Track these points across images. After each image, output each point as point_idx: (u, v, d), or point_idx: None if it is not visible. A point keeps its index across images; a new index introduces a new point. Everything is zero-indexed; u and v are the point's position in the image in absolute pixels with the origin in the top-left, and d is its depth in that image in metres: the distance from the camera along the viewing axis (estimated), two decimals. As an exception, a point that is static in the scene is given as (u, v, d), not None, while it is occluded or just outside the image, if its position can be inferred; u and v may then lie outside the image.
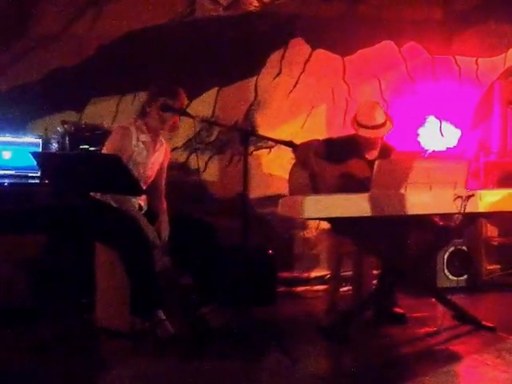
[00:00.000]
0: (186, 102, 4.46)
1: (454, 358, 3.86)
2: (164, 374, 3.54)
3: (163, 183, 4.46)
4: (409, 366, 3.73)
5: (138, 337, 4.02)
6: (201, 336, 4.12)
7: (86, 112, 5.18)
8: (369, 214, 3.90)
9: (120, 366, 3.65)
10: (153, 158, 4.34)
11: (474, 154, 5.84)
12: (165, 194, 4.44)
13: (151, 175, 4.36)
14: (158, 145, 4.37)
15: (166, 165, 4.48)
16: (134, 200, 4.25)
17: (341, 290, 5.00)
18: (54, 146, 4.90)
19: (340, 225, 4.28)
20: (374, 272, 4.79)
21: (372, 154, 4.69)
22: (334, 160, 4.63)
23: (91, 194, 4.18)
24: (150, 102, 4.28)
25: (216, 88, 5.49)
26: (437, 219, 4.50)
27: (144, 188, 4.28)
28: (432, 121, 5.83)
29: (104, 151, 4.25)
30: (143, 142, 4.27)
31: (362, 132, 4.61)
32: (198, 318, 4.24)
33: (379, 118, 4.62)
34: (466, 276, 5.52)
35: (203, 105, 5.40)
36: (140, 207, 4.30)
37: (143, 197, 4.33)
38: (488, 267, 5.68)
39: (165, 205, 4.38)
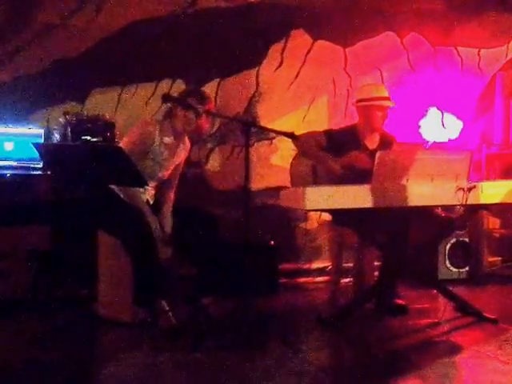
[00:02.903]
0: (212, 108, 4.39)
1: (455, 349, 3.87)
2: (165, 364, 3.55)
3: (177, 178, 4.46)
4: (410, 358, 3.73)
5: (140, 327, 4.04)
6: (202, 326, 4.13)
7: (87, 103, 5.18)
8: (370, 206, 3.90)
9: (122, 357, 3.65)
10: (171, 161, 4.34)
11: (476, 145, 5.84)
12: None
13: (165, 175, 4.36)
14: (180, 147, 4.37)
15: (182, 165, 4.48)
16: (142, 195, 4.25)
17: (342, 281, 5.00)
18: (56, 137, 4.91)
19: (341, 216, 4.28)
20: (376, 263, 4.79)
21: (373, 141, 4.72)
22: (335, 151, 4.63)
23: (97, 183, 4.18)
24: (177, 102, 4.24)
25: (217, 79, 5.48)
26: (438, 211, 4.50)
27: (156, 184, 4.30)
28: (434, 112, 5.83)
29: (121, 143, 4.25)
30: (166, 144, 4.26)
31: (374, 102, 4.64)
32: (200, 309, 4.25)
33: (386, 92, 4.73)
34: (467, 268, 5.52)
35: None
36: (147, 202, 4.30)
37: (151, 192, 4.34)
38: (489, 259, 5.69)
39: (171, 199, 4.39)
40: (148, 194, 4.31)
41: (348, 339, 4.09)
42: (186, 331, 3.99)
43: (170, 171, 4.38)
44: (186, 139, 4.42)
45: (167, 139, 4.26)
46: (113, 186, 4.18)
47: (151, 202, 4.33)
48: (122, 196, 4.18)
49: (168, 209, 4.32)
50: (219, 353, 3.67)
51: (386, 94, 4.73)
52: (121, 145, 4.19)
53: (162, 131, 4.24)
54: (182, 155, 4.42)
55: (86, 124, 4.83)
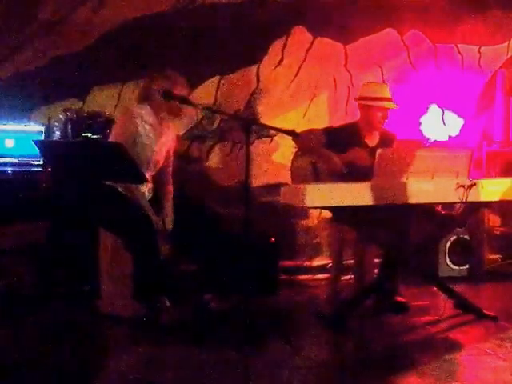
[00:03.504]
0: (185, 86, 4.35)
1: (455, 346, 3.88)
2: (166, 360, 3.57)
3: (170, 170, 4.45)
4: (410, 354, 3.74)
5: (141, 323, 4.04)
6: (203, 323, 4.14)
7: (88, 100, 5.18)
8: (371, 203, 3.91)
9: (123, 352, 3.66)
10: (160, 142, 4.31)
11: (477, 143, 5.84)
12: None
13: (159, 160, 4.34)
14: (164, 128, 4.35)
15: (172, 152, 4.46)
16: (141, 189, 4.25)
17: (342, 278, 5.00)
18: (57, 133, 4.91)
19: (342, 213, 4.28)
20: (376, 261, 4.79)
21: (373, 139, 4.72)
22: (335, 149, 4.63)
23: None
24: (150, 86, 4.25)
25: (218, 76, 5.48)
26: (439, 208, 4.50)
27: (153, 173, 4.30)
28: (434, 109, 5.82)
29: (111, 136, 4.25)
30: (150, 125, 4.24)
31: (375, 103, 4.63)
32: (200, 306, 4.26)
33: (389, 93, 4.71)
34: (467, 265, 5.53)
35: (205, 93, 5.39)
36: (144, 195, 4.29)
37: (149, 185, 4.33)
38: (490, 256, 5.69)
39: (171, 192, 4.38)
40: (146, 186, 4.29)
41: (348, 336, 4.10)
42: (187, 328, 4.00)
43: (162, 156, 4.34)
44: (170, 123, 4.39)
45: (149, 119, 4.23)
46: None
47: (149, 196, 4.32)
48: (121, 190, 4.18)
49: (169, 205, 4.32)
50: (220, 349, 3.68)
51: (388, 95, 4.71)
52: (110, 139, 4.20)
53: (143, 112, 4.22)
54: (169, 140, 4.39)
55: (87, 121, 4.84)
